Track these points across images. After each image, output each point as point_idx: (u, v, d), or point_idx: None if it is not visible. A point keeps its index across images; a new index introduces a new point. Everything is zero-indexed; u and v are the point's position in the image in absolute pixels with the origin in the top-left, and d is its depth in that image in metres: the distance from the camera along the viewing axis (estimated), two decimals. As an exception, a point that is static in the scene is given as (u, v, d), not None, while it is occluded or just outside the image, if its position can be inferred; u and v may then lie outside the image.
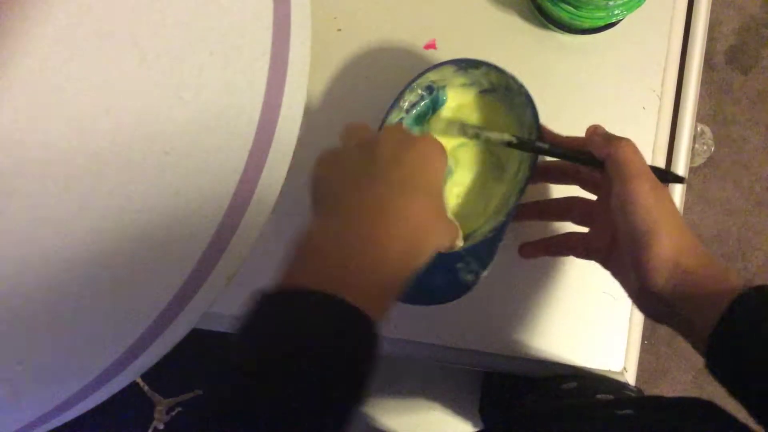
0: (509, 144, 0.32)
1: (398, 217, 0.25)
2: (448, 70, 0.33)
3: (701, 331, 0.26)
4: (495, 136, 0.32)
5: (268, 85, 0.23)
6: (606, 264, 0.32)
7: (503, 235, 0.32)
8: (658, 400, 0.29)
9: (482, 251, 0.32)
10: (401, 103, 0.33)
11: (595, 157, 0.30)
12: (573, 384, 0.36)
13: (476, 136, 0.33)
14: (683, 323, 0.27)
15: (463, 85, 0.34)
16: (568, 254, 0.34)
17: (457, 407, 0.59)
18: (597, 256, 0.32)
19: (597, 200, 0.33)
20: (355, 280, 0.23)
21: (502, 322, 0.38)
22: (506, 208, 0.33)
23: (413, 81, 0.32)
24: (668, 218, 0.27)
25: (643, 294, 0.28)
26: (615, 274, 0.31)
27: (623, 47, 0.38)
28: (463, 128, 0.34)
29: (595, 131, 0.30)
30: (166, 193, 0.21)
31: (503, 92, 0.33)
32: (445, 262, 0.31)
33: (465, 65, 0.32)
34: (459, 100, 0.35)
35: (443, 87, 0.34)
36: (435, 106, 0.35)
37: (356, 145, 0.28)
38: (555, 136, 0.33)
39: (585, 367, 0.38)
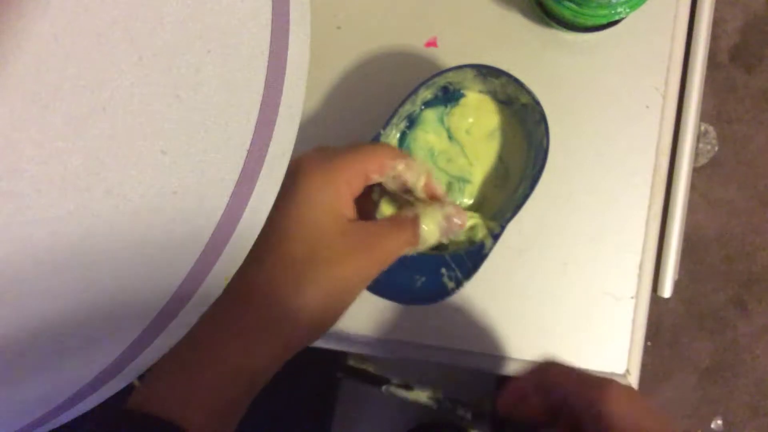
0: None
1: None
2: (469, 74, 0.32)
3: None
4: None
5: (266, 83, 0.23)
6: None
7: (490, 251, 0.31)
8: None
9: (467, 260, 0.31)
10: (415, 98, 0.33)
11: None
12: None
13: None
14: None
15: (481, 92, 0.34)
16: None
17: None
18: None
19: None
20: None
21: (502, 323, 0.38)
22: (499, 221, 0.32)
23: (431, 78, 0.32)
24: None
25: None
26: None
27: (626, 45, 0.38)
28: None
29: (561, 373, 0.22)
30: (163, 192, 0.20)
31: (519, 106, 0.33)
32: (428, 263, 0.31)
33: (485, 72, 0.32)
34: (476, 106, 0.34)
35: (460, 89, 0.34)
36: (449, 105, 0.34)
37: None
38: (512, 404, 0.25)
39: (588, 370, 0.38)
